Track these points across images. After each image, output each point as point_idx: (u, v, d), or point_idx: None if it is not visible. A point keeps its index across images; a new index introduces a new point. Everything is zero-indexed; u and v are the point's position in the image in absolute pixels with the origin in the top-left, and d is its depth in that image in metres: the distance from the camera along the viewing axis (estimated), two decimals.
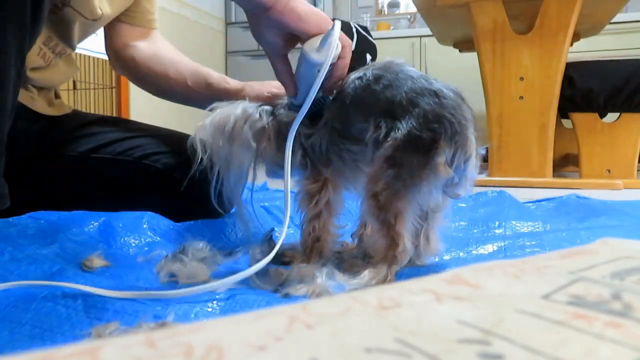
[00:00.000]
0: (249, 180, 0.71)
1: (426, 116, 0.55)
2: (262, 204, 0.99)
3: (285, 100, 0.70)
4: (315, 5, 2.31)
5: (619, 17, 2.47)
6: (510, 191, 1.33)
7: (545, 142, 1.85)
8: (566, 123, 2.24)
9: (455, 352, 0.11)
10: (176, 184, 0.80)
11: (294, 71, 0.66)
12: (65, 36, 0.89)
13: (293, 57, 0.63)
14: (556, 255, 0.22)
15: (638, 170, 1.97)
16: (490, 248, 0.77)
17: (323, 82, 0.61)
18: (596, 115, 1.95)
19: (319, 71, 0.61)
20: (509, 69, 1.87)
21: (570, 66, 1.86)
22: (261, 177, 0.73)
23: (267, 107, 0.69)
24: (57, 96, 0.98)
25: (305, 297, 0.52)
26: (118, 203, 0.85)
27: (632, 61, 1.94)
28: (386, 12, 4.35)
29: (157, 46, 1.00)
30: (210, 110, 0.68)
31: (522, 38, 1.84)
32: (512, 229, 0.92)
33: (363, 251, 0.68)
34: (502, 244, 0.78)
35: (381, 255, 0.58)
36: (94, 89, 2.87)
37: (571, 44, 1.99)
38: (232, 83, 0.91)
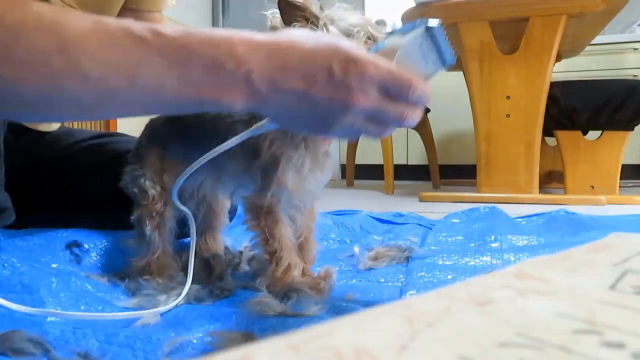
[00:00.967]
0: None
1: None
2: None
3: None
4: None
5: (597, 39, 2.56)
6: (499, 207, 1.36)
7: (531, 159, 1.90)
8: (549, 141, 2.30)
9: (579, 342, 0.12)
10: None
11: None
12: None
13: None
14: (586, 249, 0.24)
15: (620, 187, 2.03)
16: (488, 260, 0.79)
17: None
18: (579, 133, 2.01)
19: None
20: (495, 88, 1.92)
21: (554, 85, 1.92)
22: None
23: None
24: None
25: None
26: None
27: (613, 81, 2.01)
28: None
29: None
30: None
31: (508, 58, 1.90)
32: (508, 243, 0.95)
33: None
34: (499, 258, 0.80)
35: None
36: None
37: None
38: None
